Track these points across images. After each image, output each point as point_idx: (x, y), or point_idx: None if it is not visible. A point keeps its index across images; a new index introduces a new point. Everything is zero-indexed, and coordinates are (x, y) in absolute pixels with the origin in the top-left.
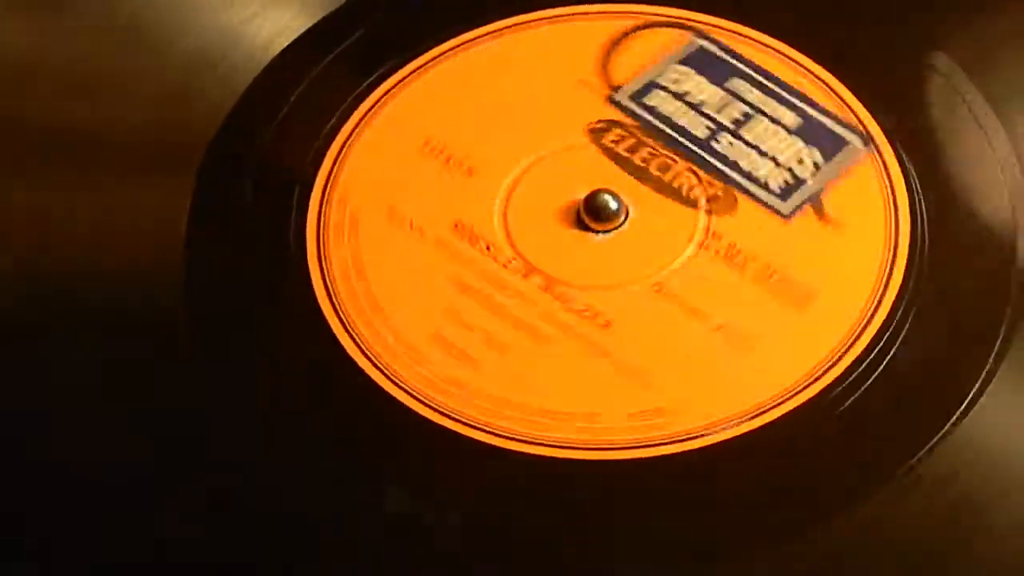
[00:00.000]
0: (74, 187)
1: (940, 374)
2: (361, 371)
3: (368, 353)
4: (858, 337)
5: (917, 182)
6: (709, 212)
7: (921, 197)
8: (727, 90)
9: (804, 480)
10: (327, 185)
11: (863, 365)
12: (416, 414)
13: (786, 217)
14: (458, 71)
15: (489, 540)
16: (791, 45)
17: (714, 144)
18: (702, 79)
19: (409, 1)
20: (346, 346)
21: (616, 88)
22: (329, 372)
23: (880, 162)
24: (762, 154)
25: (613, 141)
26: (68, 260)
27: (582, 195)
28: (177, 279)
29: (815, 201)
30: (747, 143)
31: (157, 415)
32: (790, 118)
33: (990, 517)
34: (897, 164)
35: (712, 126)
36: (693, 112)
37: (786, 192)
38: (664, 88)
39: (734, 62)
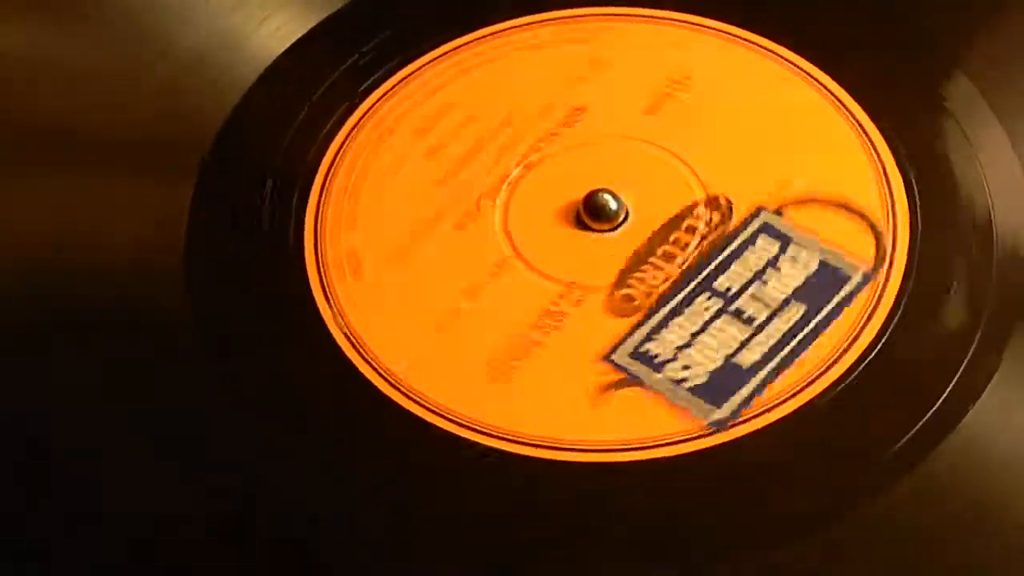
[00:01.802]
0: (74, 187)
1: (938, 374)
2: (359, 373)
3: (367, 356)
4: (866, 324)
5: (913, 174)
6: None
7: (918, 197)
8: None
9: (804, 480)
10: (326, 184)
11: (862, 365)
12: (418, 418)
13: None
14: (449, 77)
15: (500, 542)
16: (789, 47)
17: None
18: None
19: (409, 3)
20: (344, 347)
21: None
22: (329, 372)
23: (880, 167)
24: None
25: None
26: (68, 260)
27: (580, 196)
28: (177, 279)
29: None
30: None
31: (157, 415)
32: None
33: (990, 517)
34: (891, 155)
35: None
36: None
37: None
38: None
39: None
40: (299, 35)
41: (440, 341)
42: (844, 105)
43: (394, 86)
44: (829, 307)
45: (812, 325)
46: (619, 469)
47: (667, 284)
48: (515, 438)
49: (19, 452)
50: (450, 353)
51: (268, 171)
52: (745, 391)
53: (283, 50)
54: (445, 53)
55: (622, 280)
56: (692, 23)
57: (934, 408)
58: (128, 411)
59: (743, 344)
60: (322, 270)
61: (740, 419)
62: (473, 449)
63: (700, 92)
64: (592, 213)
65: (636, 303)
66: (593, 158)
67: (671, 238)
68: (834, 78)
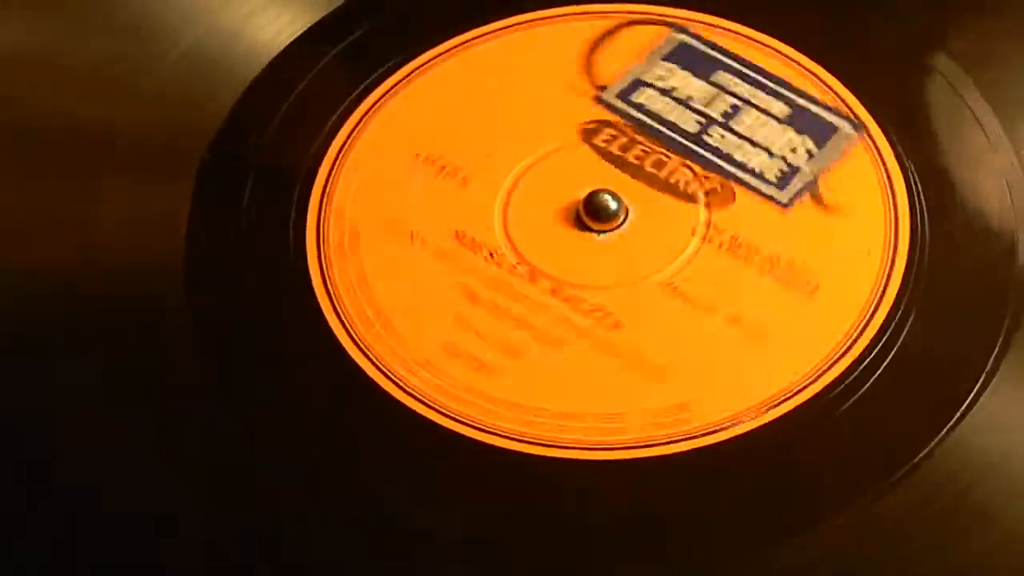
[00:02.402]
0: (74, 187)
1: (941, 372)
2: (362, 372)
3: (369, 354)
4: (867, 323)
5: (912, 166)
6: (708, 206)
7: (917, 181)
8: (714, 84)
9: (811, 475)
10: (327, 184)
11: (868, 358)
12: (421, 416)
13: (785, 206)
14: (448, 76)
15: (521, 546)
16: (774, 36)
17: (706, 138)
18: (688, 74)
19: (407, 2)
20: (347, 347)
21: (602, 88)
22: (331, 372)
23: (873, 148)
24: (754, 145)
25: (605, 141)
26: (68, 260)
27: (580, 196)
28: (177, 279)
29: (812, 188)
30: (739, 135)
31: (157, 415)
32: (779, 108)
33: (990, 516)
34: (890, 148)
35: (702, 120)
36: (682, 107)
37: (782, 181)
38: (651, 85)
39: (718, 56)
40: (299, 34)
41: (444, 344)
42: (843, 100)
43: (395, 84)
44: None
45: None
46: (647, 466)
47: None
48: (539, 442)
49: (19, 452)
50: (454, 355)
51: (268, 171)
52: None
53: (282, 49)
54: (444, 53)
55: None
56: (685, 19)
57: (935, 406)
58: (128, 411)
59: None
60: (324, 271)
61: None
62: (477, 448)
63: None
64: (592, 213)
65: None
66: (591, 158)
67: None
68: (829, 70)
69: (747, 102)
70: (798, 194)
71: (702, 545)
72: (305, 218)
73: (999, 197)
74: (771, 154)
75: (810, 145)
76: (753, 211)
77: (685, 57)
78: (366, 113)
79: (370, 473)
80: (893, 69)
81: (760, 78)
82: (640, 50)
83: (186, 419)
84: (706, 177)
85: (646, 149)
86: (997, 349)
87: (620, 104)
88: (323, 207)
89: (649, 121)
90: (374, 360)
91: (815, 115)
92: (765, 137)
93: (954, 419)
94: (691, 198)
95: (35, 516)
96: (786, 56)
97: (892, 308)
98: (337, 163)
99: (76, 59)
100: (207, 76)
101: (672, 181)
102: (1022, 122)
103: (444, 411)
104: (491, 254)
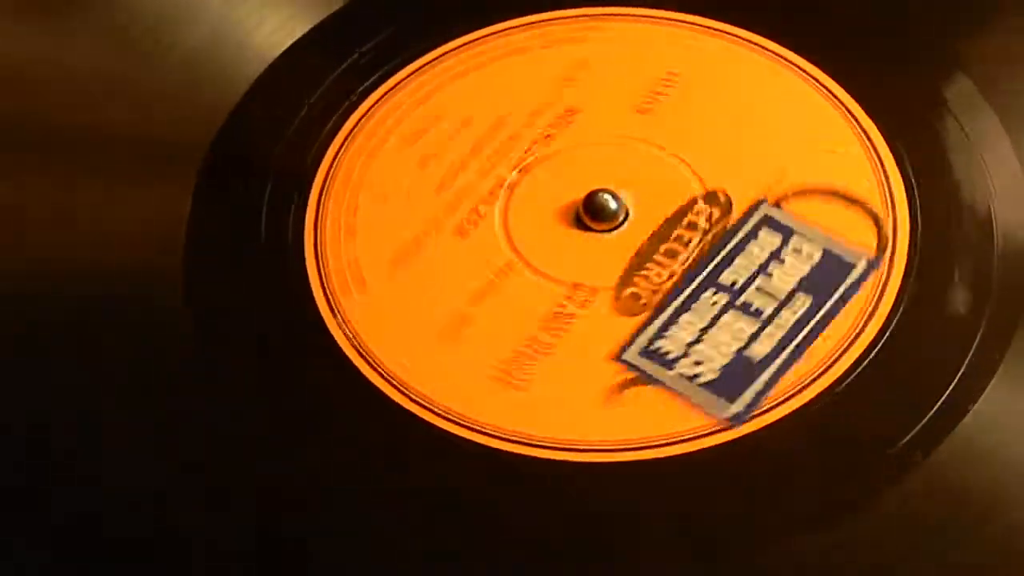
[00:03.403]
0: (74, 187)
1: (938, 373)
2: (361, 374)
3: (368, 357)
4: (857, 336)
5: (914, 180)
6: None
7: (917, 194)
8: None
9: (803, 480)
10: (325, 185)
11: (865, 361)
12: (421, 419)
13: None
14: (444, 79)
15: (515, 544)
16: (778, 42)
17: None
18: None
19: (407, 4)
20: (344, 348)
21: None
22: (330, 372)
23: (879, 165)
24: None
25: None
26: (68, 260)
27: (579, 196)
28: (177, 279)
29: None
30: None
31: (156, 415)
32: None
33: (991, 514)
34: (896, 166)
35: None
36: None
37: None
38: None
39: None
40: (299, 35)
41: (446, 346)
42: (841, 102)
43: (393, 87)
44: (836, 296)
45: (820, 315)
46: (630, 470)
47: (672, 281)
48: (527, 441)
49: (19, 452)
50: (457, 358)
51: (268, 171)
52: (759, 384)
53: (283, 50)
54: (444, 54)
55: (627, 279)
56: (683, 21)
57: (936, 405)
58: (127, 411)
59: (753, 337)
60: (322, 271)
61: (757, 411)
62: (482, 453)
63: (692, 89)
64: (592, 213)
65: (643, 301)
66: (590, 159)
67: (673, 235)
68: (830, 75)
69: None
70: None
71: (736, 538)
72: (305, 219)
73: (1001, 207)
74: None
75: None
76: None
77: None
78: (365, 114)
79: (371, 474)
80: (906, 92)
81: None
82: None
83: (186, 419)
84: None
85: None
86: (999, 346)
87: None
88: (322, 208)
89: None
90: (371, 361)
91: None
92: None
93: (956, 416)
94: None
95: (35, 516)
96: (791, 62)
97: (892, 308)
98: (336, 163)
99: (77, 59)
100: (208, 77)
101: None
102: None
103: (458, 420)
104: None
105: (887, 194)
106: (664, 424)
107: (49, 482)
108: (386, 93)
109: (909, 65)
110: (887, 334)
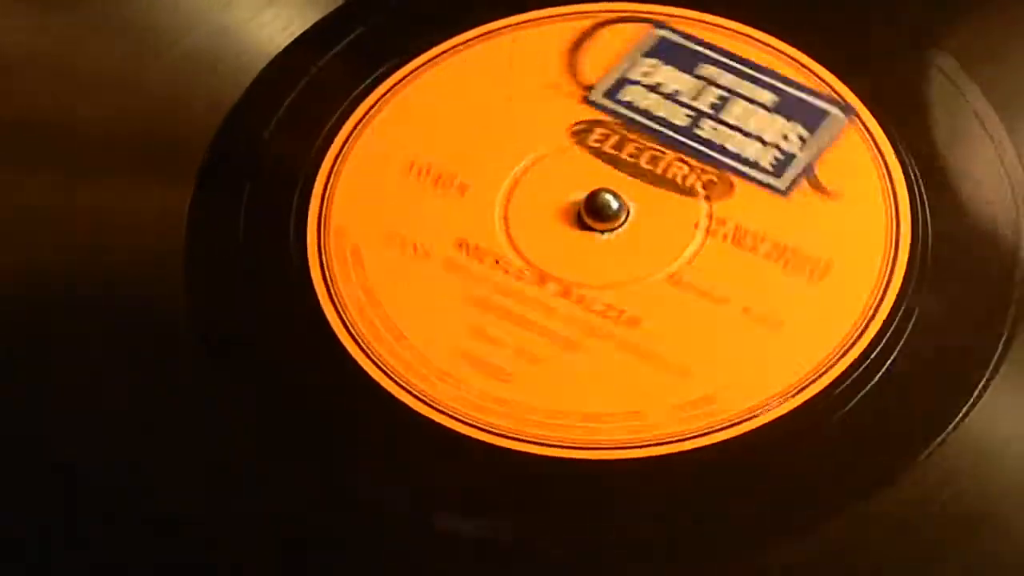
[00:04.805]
0: (74, 187)
1: (943, 372)
2: (364, 372)
3: (371, 355)
4: (876, 309)
5: (905, 149)
6: (708, 198)
7: (913, 164)
8: (699, 77)
9: (801, 478)
10: (327, 185)
11: (863, 366)
12: (423, 416)
13: (783, 193)
14: (438, 82)
15: (553, 551)
16: (766, 31)
17: (697, 131)
18: (671, 68)
19: (405, 2)
20: (348, 347)
21: (589, 88)
22: (332, 372)
23: (866, 131)
24: (747, 135)
25: (597, 140)
26: (68, 260)
27: (579, 197)
28: (177, 279)
29: (809, 174)
30: (730, 126)
31: (156, 415)
32: (766, 96)
33: (989, 515)
34: (882, 132)
35: (691, 113)
36: (669, 102)
37: (779, 168)
38: (636, 82)
39: (700, 48)
40: (299, 33)
41: (445, 342)
42: (831, 86)
43: (395, 84)
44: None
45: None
46: (676, 461)
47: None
48: (564, 445)
49: (19, 452)
50: (456, 354)
51: (269, 170)
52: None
53: (283, 48)
54: (445, 51)
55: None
56: (679, 16)
57: (936, 407)
58: (127, 411)
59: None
60: (325, 270)
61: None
62: (480, 448)
63: None
64: (593, 213)
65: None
66: (586, 159)
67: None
68: (828, 67)
69: (734, 92)
70: (795, 181)
71: (744, 536)
72: (306, 218)
73: (999, 187)
74: (764, 143)
75: (801, 131)
76: (753, 200)
77: (668, 52)
78: (366, 113)
79: (371, 472)
80: (884, 56)
81: (745, 68)
82: (622, 49)
83: (185, 419)
84: (703, 170)
85: (639, 146)
86: (1000, 349)
87: (608, 103)
88: (325, 206)
89: (639, 118)
90: (374, 359)
91: (803, 101)
92: (756, 126)
93: (954, 417)
94: (690, 191)
95: (34, 516)
96: (773, 47)
97: (893, 308)
98: (339, 161)
99: (77, 58)
100: (207, 77)
101: (669, 176)
102: (1016, 106)
103: (465, 420)
104: (497, 260)
105: (886, 175)
106: (470, 406)
107: (49, 482)
108: (388, 91)
109: (907, 56)
110: (886, 336)
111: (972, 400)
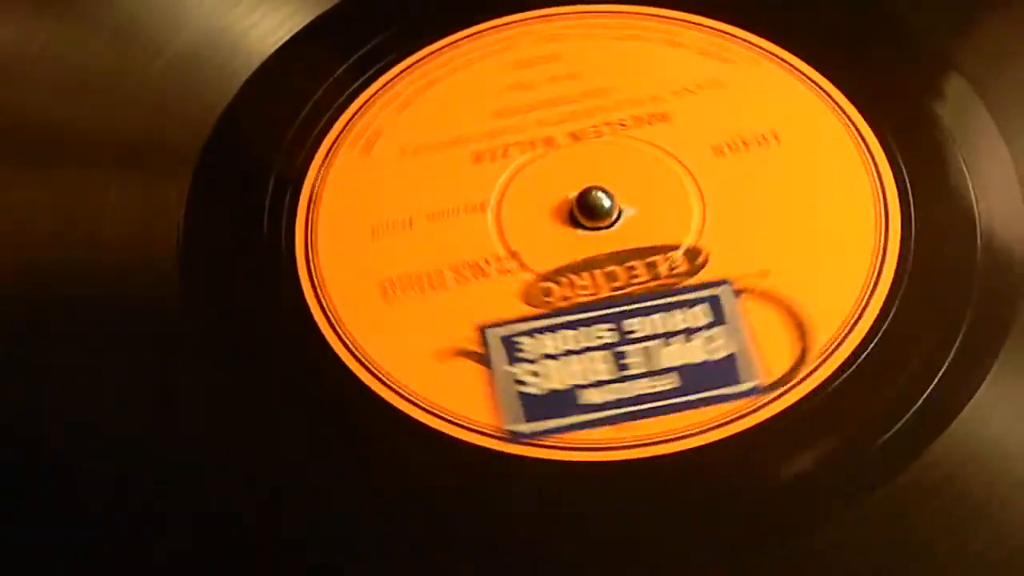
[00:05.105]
0: (72, 186)
1: (929, 374)
2: (353, 374)
3: (360, 356)
4: (848, 334)
5: (909, 184)
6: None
7: (911, 197)
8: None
9: (799, 478)
10: (316, 183)
11: (856, 363)
12: (414, 420)
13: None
14: (433, 80)
15: (504, 541)
16: (774, 41)
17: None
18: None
19: (397, 3)
20: (336, 349)
21: None
22: (325, 371)
23: (874, 168)
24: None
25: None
26: (66, 259)
27: (571, 195)
28: (174, 278)
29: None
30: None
31: (155, 414)
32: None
33: (985, 513)
34: (875, 137)
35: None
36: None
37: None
38: None
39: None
40: (293, 33)
41: (435, 341)
42: (839, 105)
43: (388, 82)
44: (700, 395)
45: (668, 401)
46: (627, 469)
47: (587, 299)
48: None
49: (19, 452)
50: (444, 351)
51: (264, 169)
52: (561, 423)
53: (276, 48)
54: (438, 50)
55: (557, 274)
56: (684, 20)
57: (931, 406)
58: (126, 410)
59: (598, 383)
60: (313, 271)
61: (536, 443)
62: (472, 449)
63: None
64: (585, 211)
65: (549, 300)
66: (587, 157)
67: (628, 263)
68: (829, 79)
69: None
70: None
71: (743, 536)
72: (297, 217)
73: (999, 197)
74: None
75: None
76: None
77: None
78: (358, 110)
79: (370, 471)
80: (880, 59)
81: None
82: None
83: (184, 418)
84: None
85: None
86: (991, 349)
87: None
88: (313, 206)
89: None
90: (363, 361)
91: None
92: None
93: (948, 416)
94: None
95: (34, 515)
96: (784, 60)
97: (883, 307)
98: (328, 161)
99: (72, 58)
100: (202, 76)
101: None
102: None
103: (454, 420)
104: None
105: (881, 199)
106: (460, 405)
107: (48, 481)
108: (379, 89)
109: (906, 67)
110: (879, 334)
111: (955, 409)
